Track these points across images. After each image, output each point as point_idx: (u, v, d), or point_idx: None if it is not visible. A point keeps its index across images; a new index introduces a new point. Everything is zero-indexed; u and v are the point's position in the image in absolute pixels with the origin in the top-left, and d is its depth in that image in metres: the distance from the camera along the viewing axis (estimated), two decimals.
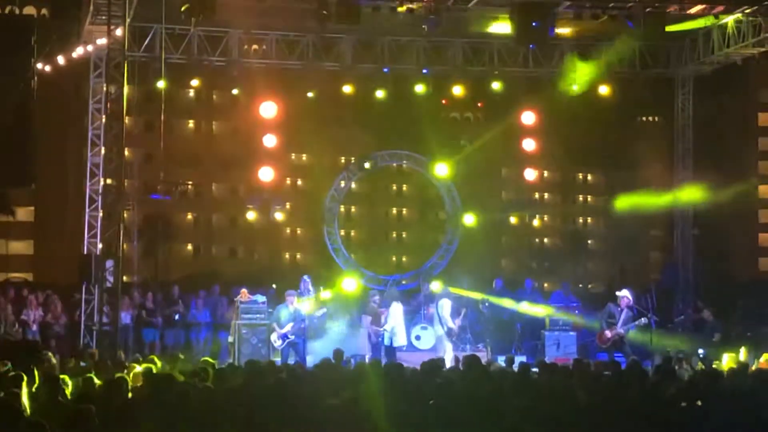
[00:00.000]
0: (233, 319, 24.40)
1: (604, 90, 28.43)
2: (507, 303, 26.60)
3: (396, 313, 24.23)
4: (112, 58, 24.32)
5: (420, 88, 28.34)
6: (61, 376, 13.70)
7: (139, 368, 15.51)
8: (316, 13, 22.87)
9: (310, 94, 28.09)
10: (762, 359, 19.48)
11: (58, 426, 10.75)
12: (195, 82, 28.35)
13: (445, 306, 24.39)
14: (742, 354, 21.19)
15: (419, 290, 27.29)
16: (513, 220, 31.25)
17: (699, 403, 13.21)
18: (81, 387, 13.47)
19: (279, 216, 29.06)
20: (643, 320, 23.17)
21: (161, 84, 25.24)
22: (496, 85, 28.48)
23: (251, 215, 29.56)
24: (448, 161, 29.14)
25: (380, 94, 28.35)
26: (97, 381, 13.75)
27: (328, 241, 28.86)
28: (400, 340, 24.13)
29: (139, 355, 21.10)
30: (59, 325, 26.18)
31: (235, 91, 28.26)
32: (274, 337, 23.65)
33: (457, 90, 28.84)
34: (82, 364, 18.19)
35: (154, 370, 15.35)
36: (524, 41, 24.99)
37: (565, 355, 23.75)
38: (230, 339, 24.41)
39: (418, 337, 25.10)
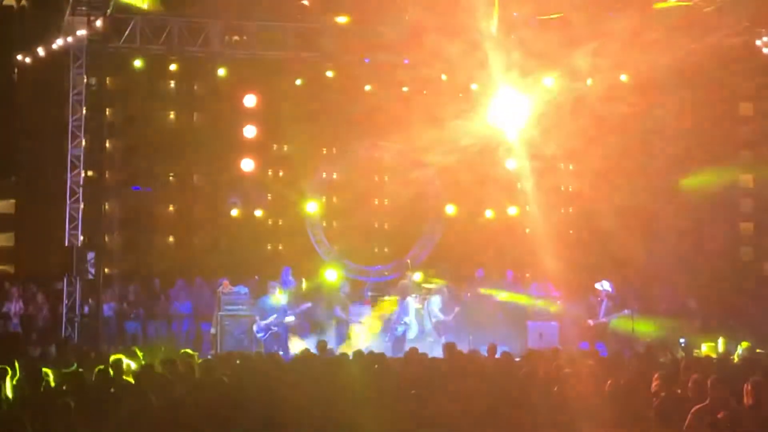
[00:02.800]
0: (215, 310, 24.39)
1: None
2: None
3: (410, 306, 24.27)
4: (92, 49, 24.25)
5: (401, 78, 28.31)
6: (44, 369, 13.71)
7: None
8: (297, 3, 22.83)
9: (298, 82, 28.01)
10: (742, 347, 19.59)
11: (39, 418, 10.76)
12: (175, 73, 28.18)
13: (436, 302, 24.45)
14: (721, 343, 21.30)
15: (404, 280, 27.31)
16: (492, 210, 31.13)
17: (679, 391, 13.27)
18: (63, 379, 13.49)
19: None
20: (626, 311, 23.31)
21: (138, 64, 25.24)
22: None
23: (234, 212, 29.44)
24: (430, 152, 29.11)
25: (362, 84, 28.30)
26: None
27: (310, 232, 28.81)
28: (411, 334, 24.17)
29: (122, 347, 21.13)
30: (41, 317, 26.14)
31: (221, 72, 27.88)
32: (256, 328, 23.65)
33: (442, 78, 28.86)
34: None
35: (135, 363, 15.37)
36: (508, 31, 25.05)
37: (548, 345, 23.78)
38: (212, 330, 24.40)
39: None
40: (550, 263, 29.19)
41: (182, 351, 17.26)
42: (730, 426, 10.95)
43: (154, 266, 29.05)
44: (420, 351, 18.00)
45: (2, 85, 24.46)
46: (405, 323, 24.05)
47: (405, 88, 28.54)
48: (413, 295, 24.91)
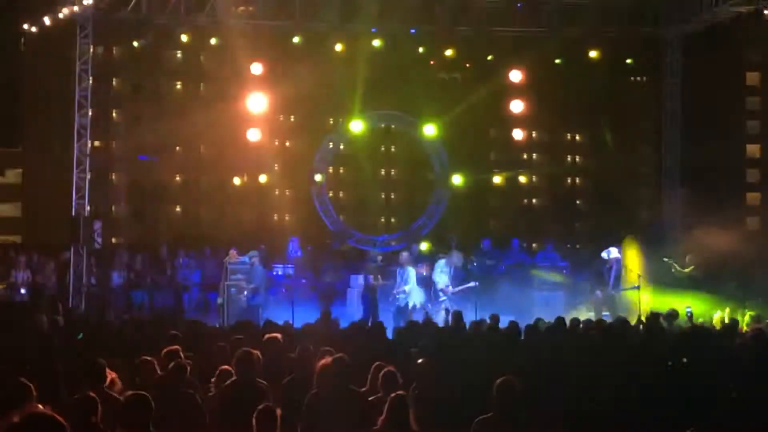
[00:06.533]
0: (222, 280, 24.40)
1: (592, 50, 28.43)
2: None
3: (412, 276, 24.23)
4: (98, 18, 24.19)
5: (408, 49, 28.29)
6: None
7: None
8: None
9: (296, 39, 27.91)
10: (746, 318, 19.60)
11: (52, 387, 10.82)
12: (182, 43, 28.15)
13: (441, 267, 24.34)
14: (727, 313, 21.29)
15: (408, 250, 27.29)
16: (500, 180, 31.20)
17: (685, 360, 13.28)
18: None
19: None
20: (636, 286, 23.34)
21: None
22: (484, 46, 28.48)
23: (237, 180, 29.50)
24: (436, 122, 29.11)
25: (368, 54, 28.23)
26: None
27: (316, 203, 28.81)
28: (412, 301, 24.12)
29: (128, 316, 21.19)
30: (48, 286, 26.18)
31: (213, 41, 27.84)
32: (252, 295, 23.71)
33: (446, 51, 28.83)
34: None
35: None
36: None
37: (554, 315, 23.75)
38: (219, 300, 24.39)
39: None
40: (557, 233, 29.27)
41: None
42: None
43: (161, 235, 29.09)
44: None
45: (9, 54, 24.40)
46: (404, 292, 23.99)
47: (408, 48, 28.59)
48: (416, 265, 24.83)
